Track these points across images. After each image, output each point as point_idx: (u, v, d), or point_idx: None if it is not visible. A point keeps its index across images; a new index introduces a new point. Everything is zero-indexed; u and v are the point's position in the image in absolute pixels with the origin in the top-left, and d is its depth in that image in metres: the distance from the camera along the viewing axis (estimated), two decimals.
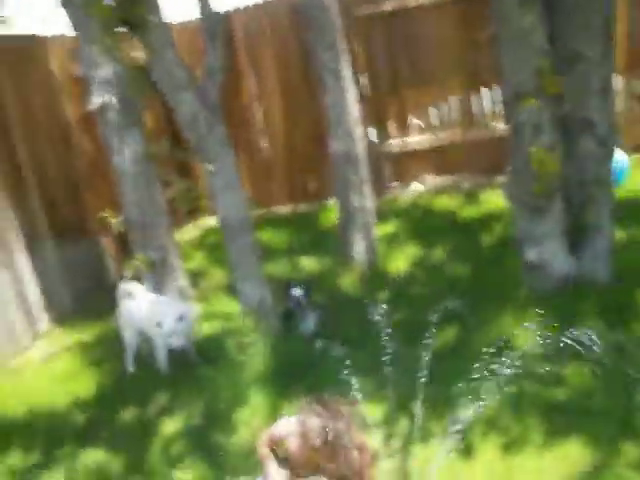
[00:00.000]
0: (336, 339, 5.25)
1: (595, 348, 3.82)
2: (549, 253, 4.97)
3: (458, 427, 3.84)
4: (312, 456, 3.54)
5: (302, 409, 3.70)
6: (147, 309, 5.41)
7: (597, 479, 3.62)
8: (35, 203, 6.58)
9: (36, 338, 6.44)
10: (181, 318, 5.18)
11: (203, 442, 4.58)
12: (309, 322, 5.70)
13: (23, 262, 6.35)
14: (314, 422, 3.55)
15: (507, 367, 3.96)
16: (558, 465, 3.74)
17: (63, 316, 6.74)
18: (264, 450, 3.91)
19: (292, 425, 3.69)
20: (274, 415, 4.64)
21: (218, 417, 4.78)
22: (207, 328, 5.87)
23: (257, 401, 4.81)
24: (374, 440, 3.97)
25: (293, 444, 3.66)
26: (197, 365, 5.28)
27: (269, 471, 3.87)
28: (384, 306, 4.24)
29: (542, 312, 4.79)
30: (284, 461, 3.89)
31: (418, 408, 4.06)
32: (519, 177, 4.99)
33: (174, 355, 5.43)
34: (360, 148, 6.51)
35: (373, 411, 4.41)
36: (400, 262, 6.53)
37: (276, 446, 3.87)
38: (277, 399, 4.81)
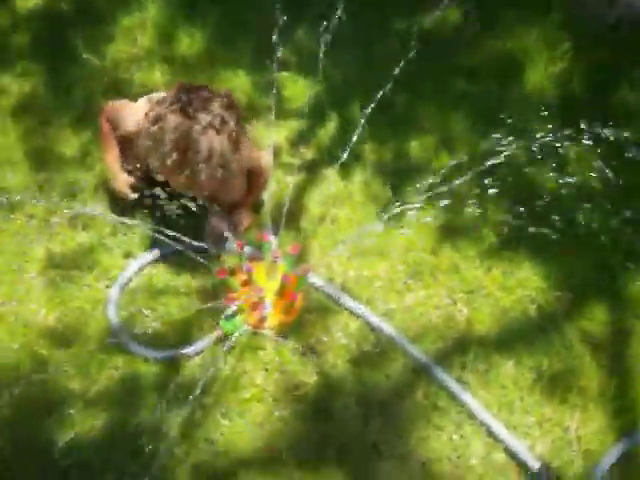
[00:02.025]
0: None
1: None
2: None
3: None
4: (164, 162, 2.09)
5: (167, 96, 2.13)
6: None
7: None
8: None
9: None
10: None
11: None
12: None
13: None
14: (173, 120, 2.03)
15: None
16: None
17: None
18: (106, 127, 2.39)
19: (142, 113, 2.15)
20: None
21: None
22: None
23: None
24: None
25: (142, 139, 2.18)
26: None
27: (107, 158, 2.42)
28: None
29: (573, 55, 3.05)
30: (129, 150, 2.42)
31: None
32: None
33: None
34: None
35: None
36: None
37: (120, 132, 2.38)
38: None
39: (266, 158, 2.46)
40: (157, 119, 2.07)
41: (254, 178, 2.45)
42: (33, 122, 2.72)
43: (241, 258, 2.29)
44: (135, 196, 2.40)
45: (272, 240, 2.34)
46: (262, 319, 2.24)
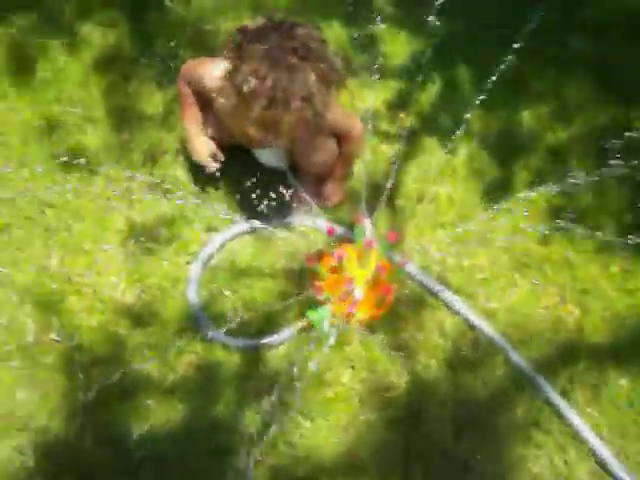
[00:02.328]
0: None
1: None
2: None
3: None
4: (240, 91, 1.86)
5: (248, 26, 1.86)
6: None
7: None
8: None
9: None
10: None
11: None
12: None
13: None
14: (252, 47, 1.81)
15: None
16: None
17: None
18: (184, 88, 2.17)
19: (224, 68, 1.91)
20: None
21: None
22: None
23: None
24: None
25: (223, 93, 1.96)
26: None
27: (186, 125, 2.21)
28: None
29: None
30: (210, 113, 2.20)
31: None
32: None
33: None
34: None
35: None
36: None
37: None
38: None
39: (360, 123, 2.21)
40: (236, 48, 1.85)
41: (346, 145, 2.22)
42: (115, 76, 2.53)
43: (331, 242, 2.08)
44: (217, 166, 2.21)
45: (366, 223, 2.11)
46: (351, 311, 2.05)
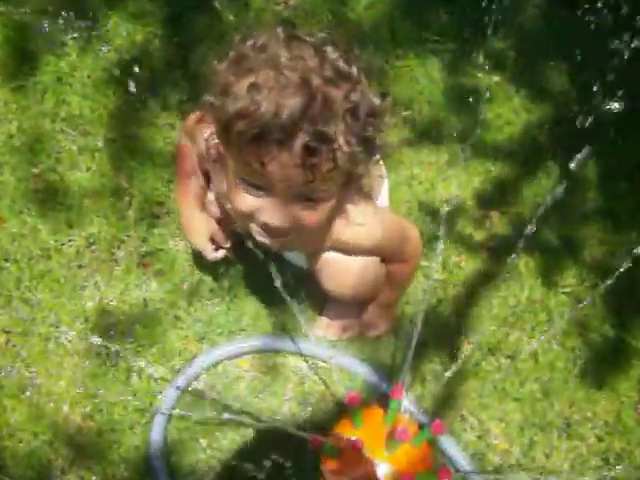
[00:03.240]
0: None
1: None
2: None
3: None
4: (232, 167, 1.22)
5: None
6: None
7: None
8: None
9: None
10: None
11: None
12: None
13: None
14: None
15: None
16: None
17: None
18: (184, 149, 1.55)
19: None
20: None
21: None
22: None
23: None
24: None
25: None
26: None
27: (180, 197, 1.60)
28: None
29: None
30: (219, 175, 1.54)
31: None
32: None
33: None
34: None
35: None
36: None
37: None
38: None
39: (416, 232, 1.56)
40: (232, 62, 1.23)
41: (396, 263, 1.56)
42: (131, 94, 1.94)
43: (354, 413, 1.48)
44: (218, 256, 1.61)
45: (405, 401, 1.49)
46: None
